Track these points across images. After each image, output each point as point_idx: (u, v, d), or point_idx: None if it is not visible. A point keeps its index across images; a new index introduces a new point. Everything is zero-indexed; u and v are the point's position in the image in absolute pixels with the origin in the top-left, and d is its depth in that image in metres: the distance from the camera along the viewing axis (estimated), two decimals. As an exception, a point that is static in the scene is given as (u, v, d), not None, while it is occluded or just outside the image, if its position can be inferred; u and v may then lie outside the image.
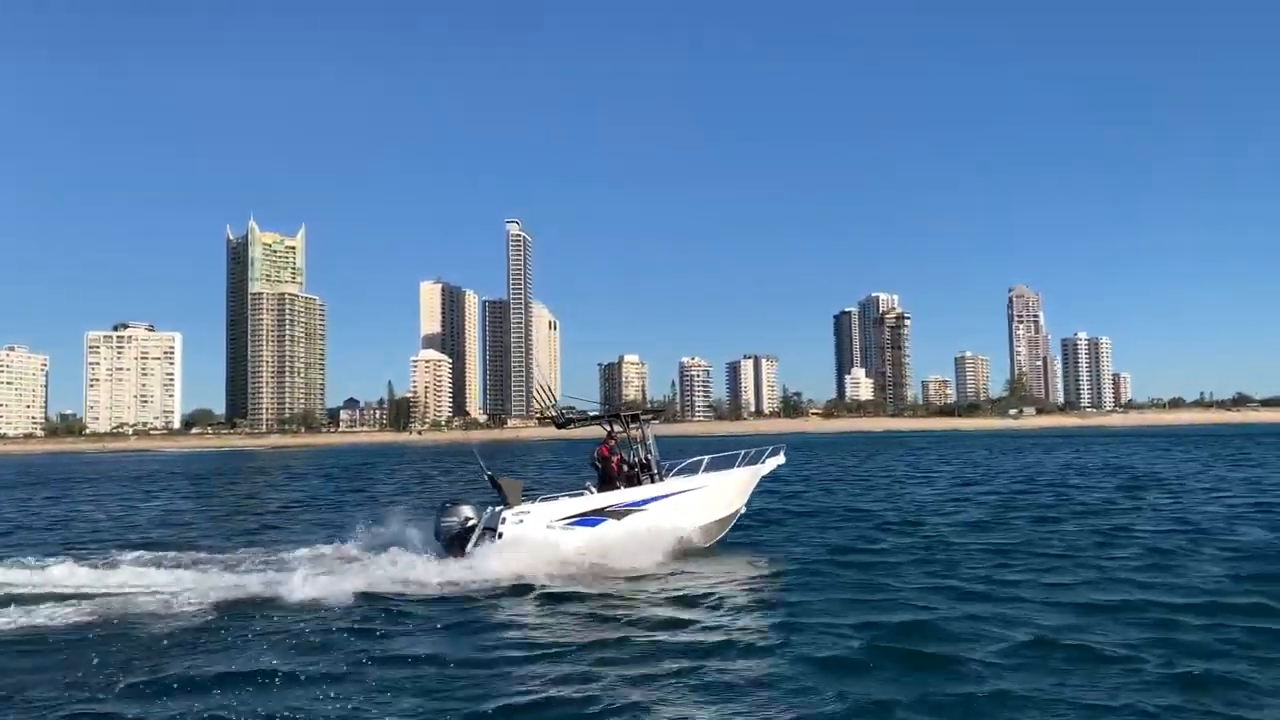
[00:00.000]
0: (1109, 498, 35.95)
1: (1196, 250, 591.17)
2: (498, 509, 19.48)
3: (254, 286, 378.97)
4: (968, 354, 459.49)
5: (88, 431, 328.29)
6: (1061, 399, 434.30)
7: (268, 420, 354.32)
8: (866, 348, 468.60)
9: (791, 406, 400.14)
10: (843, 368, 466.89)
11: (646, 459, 21.34)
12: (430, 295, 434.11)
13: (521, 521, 19.10)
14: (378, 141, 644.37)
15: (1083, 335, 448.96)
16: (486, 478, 20.80)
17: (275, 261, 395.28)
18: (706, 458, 21.65)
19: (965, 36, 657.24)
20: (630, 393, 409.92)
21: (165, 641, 13.62)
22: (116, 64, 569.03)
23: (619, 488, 20.74)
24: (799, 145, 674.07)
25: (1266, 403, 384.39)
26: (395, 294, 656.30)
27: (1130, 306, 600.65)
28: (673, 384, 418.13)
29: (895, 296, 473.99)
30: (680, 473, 21.66)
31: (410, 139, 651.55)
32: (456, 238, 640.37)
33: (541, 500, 20.11)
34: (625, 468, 21.24)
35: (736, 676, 11.54)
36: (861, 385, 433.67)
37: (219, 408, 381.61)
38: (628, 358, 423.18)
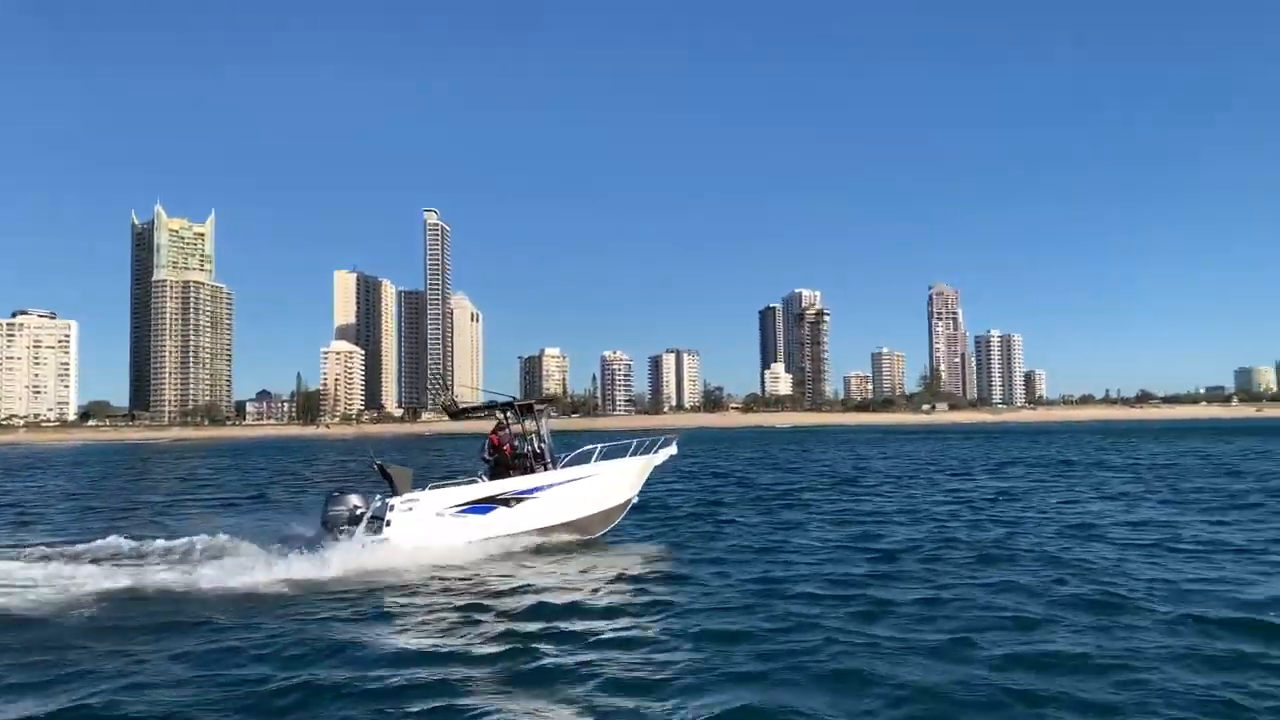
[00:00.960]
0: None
1: (1115, 251, 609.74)
2: (386, 497, 19.00)
3: (160, 274, 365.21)
4: (884, 350, 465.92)
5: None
6: (977, 395, 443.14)
7: (170, 413, 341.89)
8: (790, 343, 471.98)
9: (712, 401, 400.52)
10: (767, 363, 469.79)
11: (540, 448, 21.02)
12: (345, 285, 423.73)
13: (410, 509, 18.71)
14: (295, 128, 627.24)
15: (995, 333, 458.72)
16: (375, 467, 20.30)
17: (183, 249, 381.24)
18: (599, 447, 21.44)
19: (889, 37, 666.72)
20: (551, 386, 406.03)
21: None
22: (16, 46, 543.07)
23: (511, 476, 20.45)
24: (724, 141, 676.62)
25: (1167, 399, 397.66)
26: (310, 284, 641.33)
27: (1050, 304, 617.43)
28: (594, 377, 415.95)
29: (818, 293, 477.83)
30: (573, 462, 21.27)
31: (327, 125, 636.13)
32: (376, 227, 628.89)
33: (431, 488, 19.53)
34: (518, 458, 20.92)
35: (619, 667, 11.36)
36: (781, 380, 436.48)
37: (122, 399, 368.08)
38: (549, 351, 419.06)
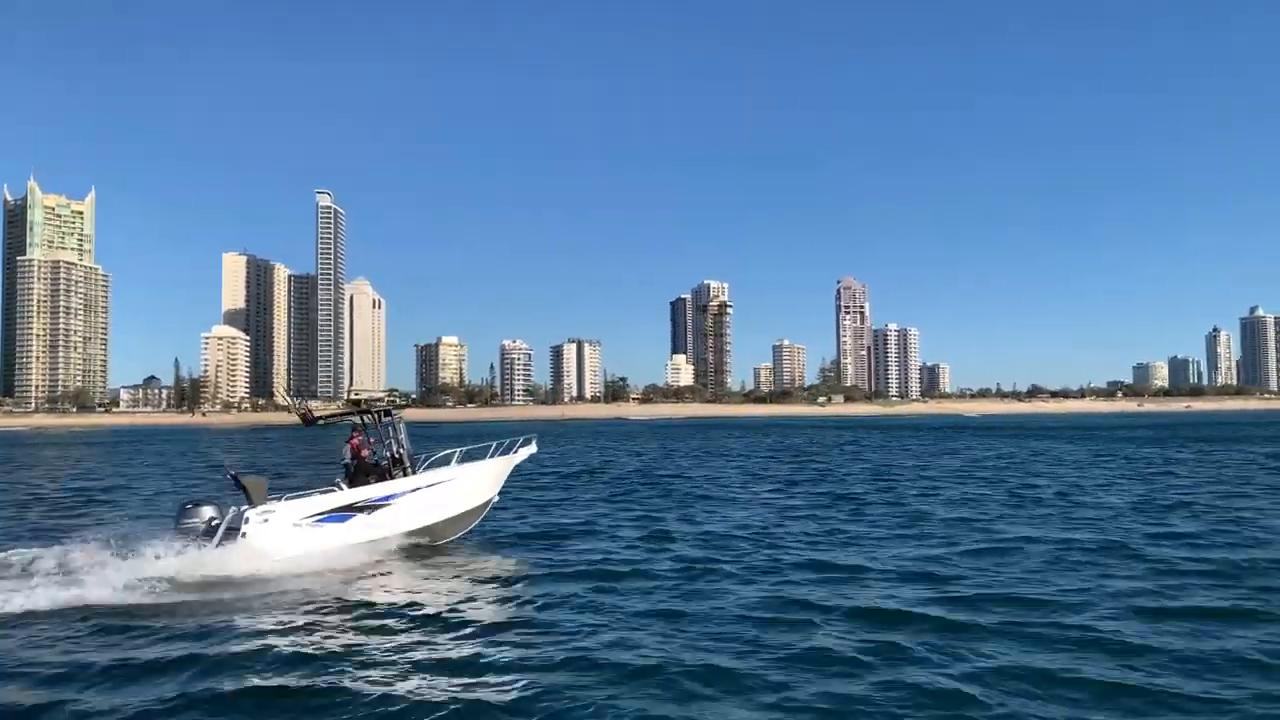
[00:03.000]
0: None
1: (1022, 249, 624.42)
2: (242, 508, 18.44)
3: (34, 253, 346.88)
4: (785, 342, 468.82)
5: None
6: (890, 387, 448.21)
7: (37, 399, 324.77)
8: (696, 334, 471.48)
9: (613, 392, 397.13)
10: (676, 353, 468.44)
11: (398, 453, 20.73)
12: (234, 267, 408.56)
13: (266, 520, 18.25)
14: (186, 108, 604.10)
15: (893, 326, 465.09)
16: (230, 477, 19.78)
17: (59, 227, 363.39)
18: (458, 451, 21.54)
19: (799, 22, 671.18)
20: (447, 375, 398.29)
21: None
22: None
23: (370, 482, 20.10)
24: (640, 124, 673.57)
25: (1055, 394, 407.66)
26: (200, 267, 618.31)
27: (962, 298, 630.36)
28: (491, 366, 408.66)
29: (725, 285, 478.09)
30: (433, 465, 21.31)
31: (220, 106, 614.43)
32: (271, 210, 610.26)
33: (288, 498, 19.11)
34: (376, 462, 20.69)
35: (477, 668, 11.72)
36: (683, 371, 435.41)
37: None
38: (446, 339, 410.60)
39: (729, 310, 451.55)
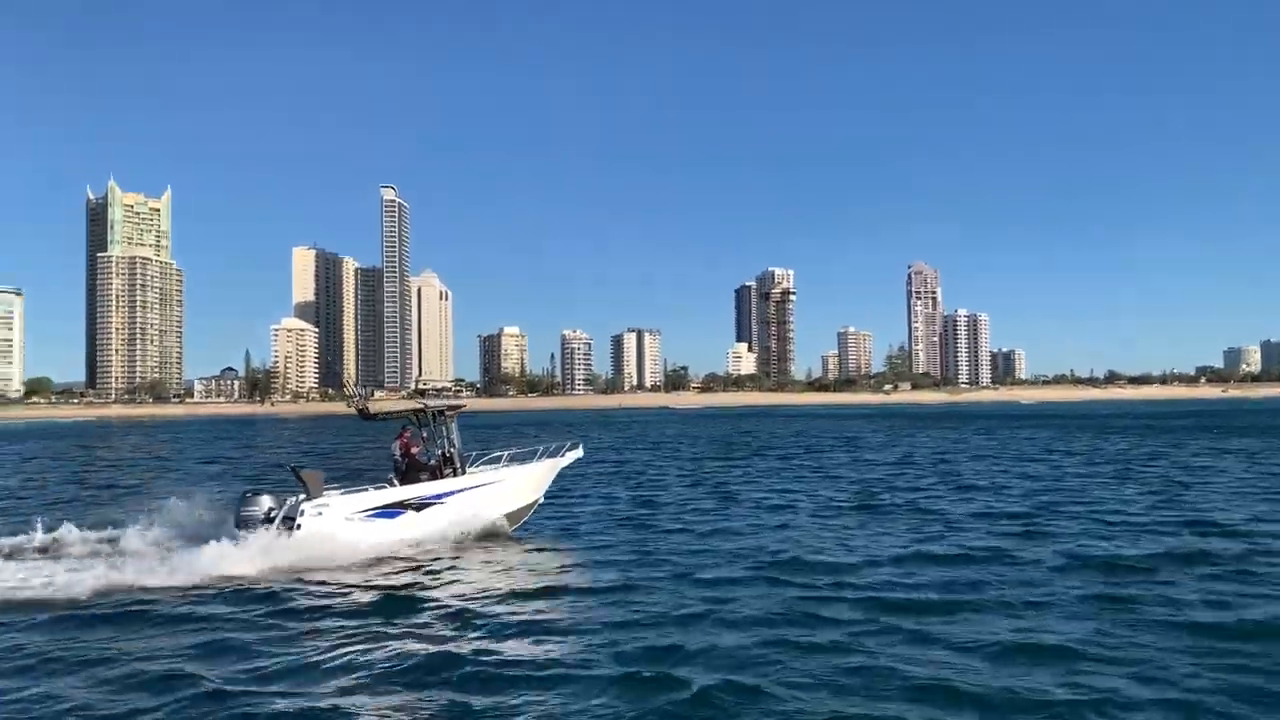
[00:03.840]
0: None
1: (1110, 230, 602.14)
2: (298, 500, 19.35)
3: (114, 250, 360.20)
4: (851, 330, 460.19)
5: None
6: (960, 374, 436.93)
7: (117, 390, 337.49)
8: (761, 322, 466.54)
9: (673, 381, 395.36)
10: (741, 342, 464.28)
11: (449, 452, 21.60)
12: (304, 261, 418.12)
13: (320, 513, 19.10)
14: (259, 106, 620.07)
15: (963, 312, 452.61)
16: (290, 470, 21.01)
17: (138, 224, 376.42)
18: (506, 453, 22.33)
19: (870, 17, 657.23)
20: (509, 365, 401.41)
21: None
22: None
23: (422, 480, 20.94)
24: (701, 114, 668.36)
25: (1133, 380, 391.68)
26: (272, 261, 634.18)
27: (1041, 285, 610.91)
28: (552, 356, 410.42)
29: (790, 272, 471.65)
30: (482, 465, 22.24)
31: (290, 104, 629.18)
32: (340, 205, 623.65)
33: (343, 492, 20.18)
34: (428, 460, 21.53)
35: (516, 669, 11.80)
36: (744, 360, 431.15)
37: (80, 376, 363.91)
38: (508, 330, 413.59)
39: (792, 297, 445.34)
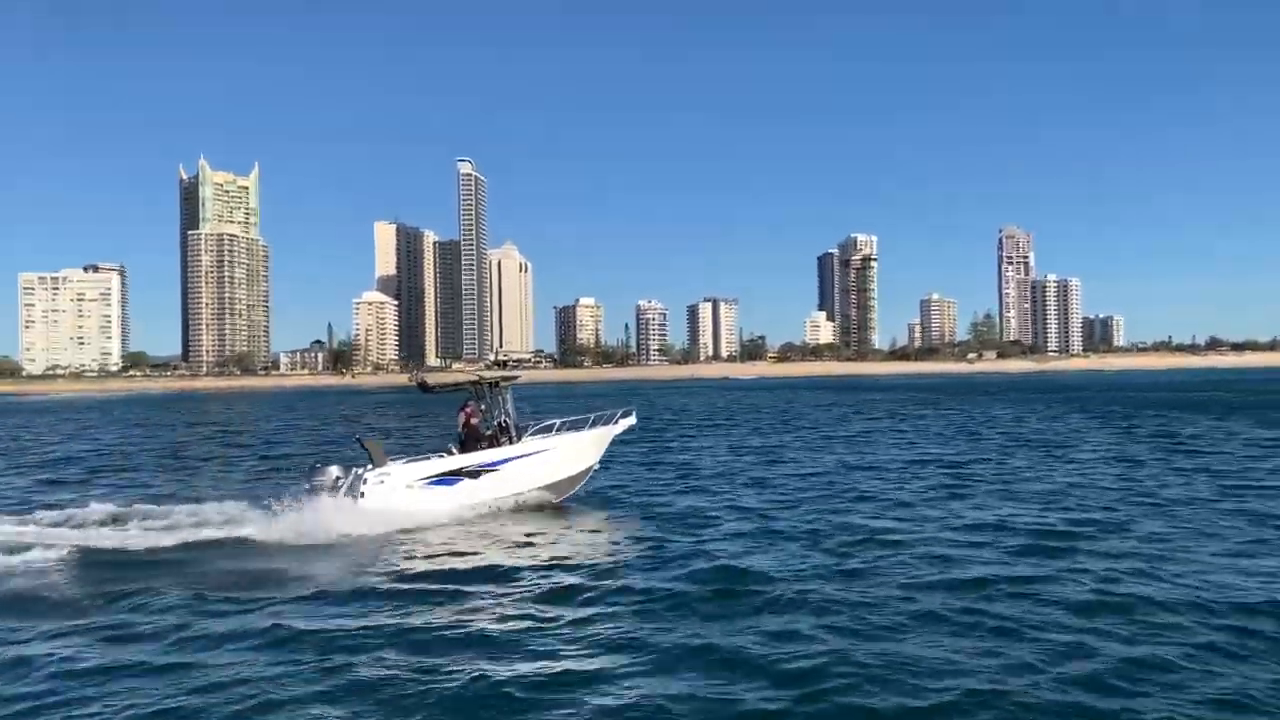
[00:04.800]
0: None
1: (1215, 191, 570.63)
2: (363, 469, 20.56)
3: (206, 227, 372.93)
4: (935, 296, 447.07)
5: (24, 374, 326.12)
6: (1049, 342, 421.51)
7: (208, 363, 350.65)
8: (844, 291, 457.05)
9: (749, 351, 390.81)
10: (823, 310, 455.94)
11: (505, 422, 22.52)
12: (385, 236, 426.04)
13: (382, 482, 20.25)
14: (338, 84, 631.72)
15: (1052, 277, 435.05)
16: (355, 440, 22.49)
17: (227, 202, 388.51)
18: (558, 421, 22.83)
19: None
20: (584, 336, 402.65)
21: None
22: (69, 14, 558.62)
23: (480, 449, 21.88)
24: (775, 79, 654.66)
25: (1238, 347, 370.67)
26: (356, 235, 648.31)
27: (1146, 247, 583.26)
28: (626, 326, 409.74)
29: (874, 238, 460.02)
30: (537, 433, 22.86)
31: (373, 80, 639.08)
32: (420, 179, 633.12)
33: (404, 461, 21.38)
34: (486, 429, 22.44)
35: (575, 630, 12.34)
36: (823, 328, 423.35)
37: (176, 350, 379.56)
38: (583, 301, 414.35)
39: (873, 264, 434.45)
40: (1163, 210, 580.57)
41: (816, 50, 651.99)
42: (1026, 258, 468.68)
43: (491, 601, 13.86)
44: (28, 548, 17.08)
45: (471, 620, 12.80)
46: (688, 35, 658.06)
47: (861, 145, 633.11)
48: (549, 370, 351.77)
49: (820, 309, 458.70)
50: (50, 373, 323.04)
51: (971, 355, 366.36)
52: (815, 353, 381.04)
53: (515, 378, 24.26)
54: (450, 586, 14.77)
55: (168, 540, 17.88)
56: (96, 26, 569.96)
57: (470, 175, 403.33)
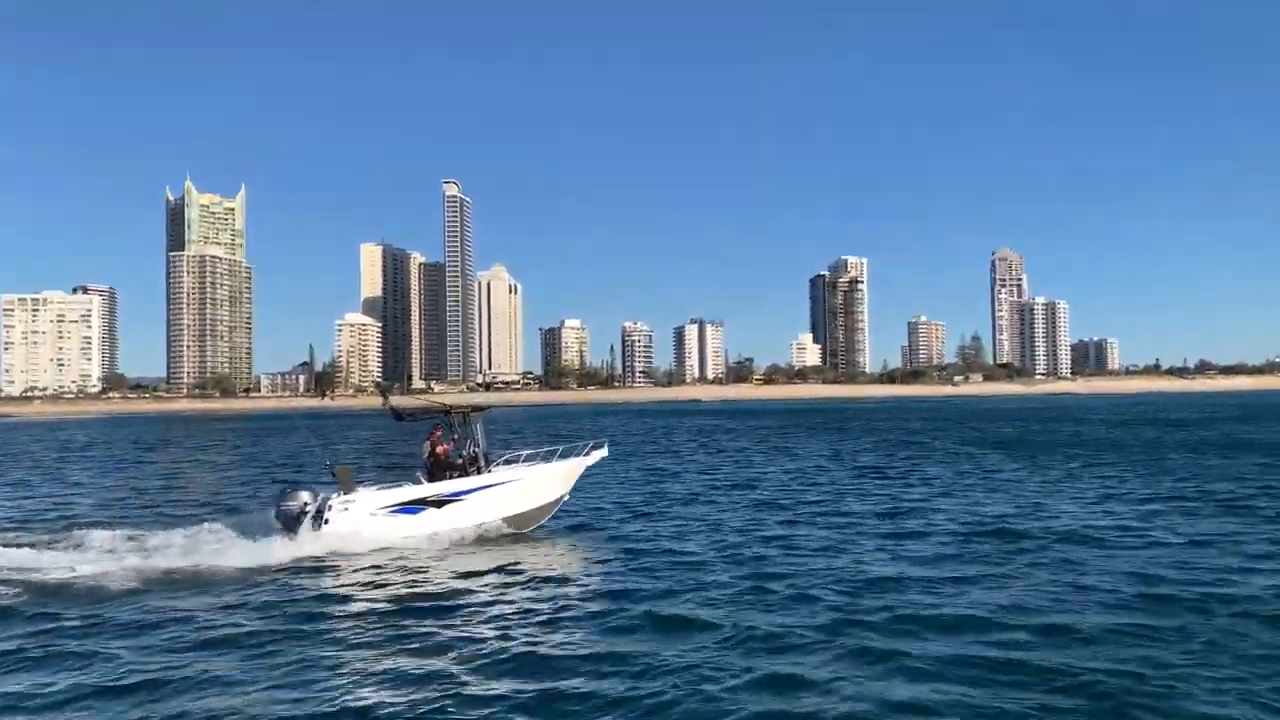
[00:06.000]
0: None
1: (1204, 214, 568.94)
2: (330, 496, 20.77)
3: (191, 249, 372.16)
4: (923, 319, 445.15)
5: (3, 394, 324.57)
6: (1041, 365, 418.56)
7: (188, 384, 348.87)
8: (829, 313, 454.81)
9: (735, 373, 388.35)
10: (815, 333, 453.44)
11: (474, 452, 22.61)
12: (371, 258, 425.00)
13: (346, 509, 20.42)
14: (324, 107, 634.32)
15: (1039, 300, 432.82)
16: (325, 466, 23.26)
17: (213, 224, 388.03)
18: (523, 453, 23.28)
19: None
20: (569, 358, 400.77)
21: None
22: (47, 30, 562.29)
23: (450, 478, 21.97)
24: (766, 98, 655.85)
25: (1226, 370, 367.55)
26: (342, 257, 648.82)
27: (1132, 272, 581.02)
28: (611, 348, 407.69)
29: (864, 260, 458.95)
30: (507, 464, 23.12)
31: (357, 104, 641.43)
32: (405, 200, 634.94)
33: (369, 489, 21.42)
34: (457, 458, 22.51)
35: (520, 658, 12.52)
36: (808, 350, 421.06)
37: (160, 371, 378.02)
38: (569, 322, 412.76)
39: (860, 286, 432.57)
40: (1156, 230, 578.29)
41: (806, 69, 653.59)
42: (1020, 280, 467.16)
43: (429, 630, 13.94)
44: None
45: (409, 648, 12.99)
46: (677, 54, 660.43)
47: (855, 167, 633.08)
48: (533, 392, 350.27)
49: (813, 331, 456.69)
50: (28, 394, 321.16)
51: (957, 378, 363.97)
52: (801, 375, 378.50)
53: (486, 407, 24.48)
54: (392, 614, 14.98)
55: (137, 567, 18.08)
56: (84, 44, 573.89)
57: (456, 197, 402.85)
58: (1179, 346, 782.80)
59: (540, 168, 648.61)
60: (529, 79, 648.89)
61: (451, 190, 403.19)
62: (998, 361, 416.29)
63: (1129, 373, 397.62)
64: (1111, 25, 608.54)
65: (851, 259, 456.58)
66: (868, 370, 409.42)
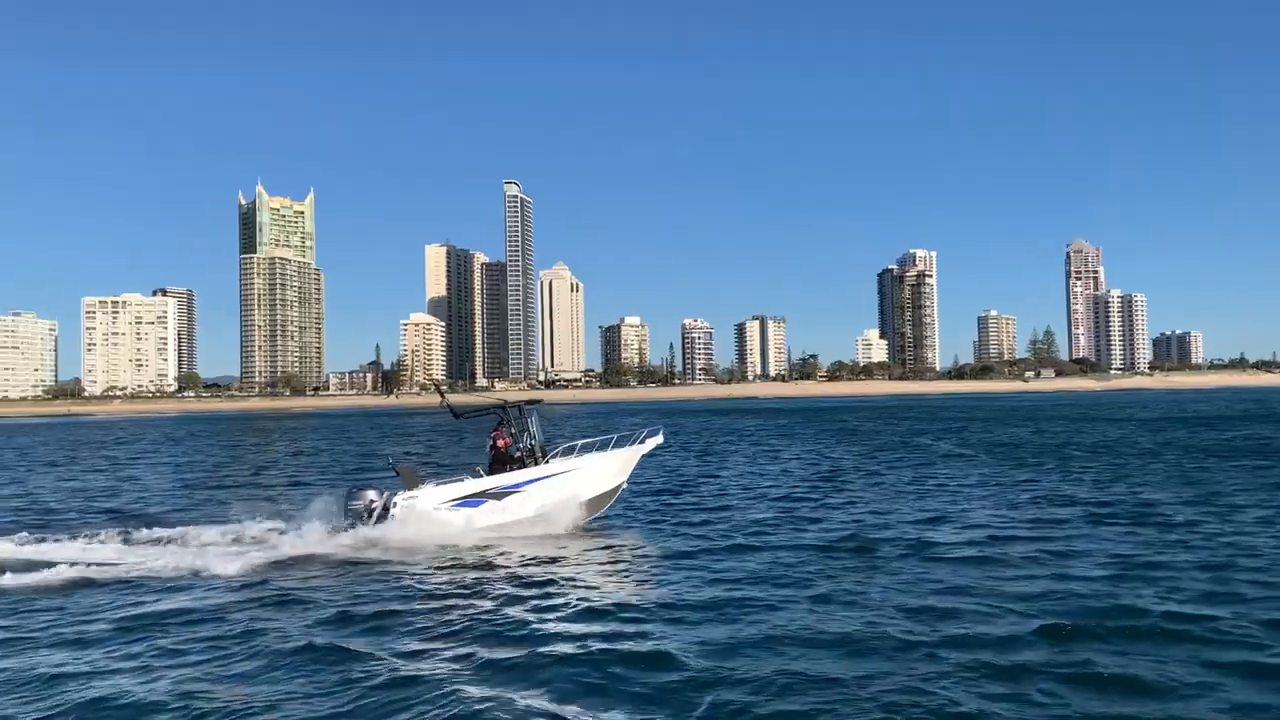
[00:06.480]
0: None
1: None
2: (395, 492, 21.65)
3: (263, 251, 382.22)
4: (993, 313, 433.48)
5: (85, 394, 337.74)
6: (1116, 359, 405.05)
7: (259, 384, 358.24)
8: (897, 308, 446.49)
9: (800, 370, 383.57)
10: (885, 328, 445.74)
11: (531, 445, 23.17)
12: (436, 258, 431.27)
13: (411, 505, 21.22)
14: (390, 108, 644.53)
15: (1116, 293, 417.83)
16: (389, 464, 24.63)
17: (284, 227, 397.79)
18: (580, 441, 23.43)
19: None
20: (629, 355, 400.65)
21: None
22: (123, 49, 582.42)
23: (508, 470, 22.53)
24: (830, 94, 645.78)
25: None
26: (406, 257, 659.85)
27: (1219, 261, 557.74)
28: (671, 345, 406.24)
29: (933, 254, 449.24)
30: (565, 455, 23.41)
31: (424, 104, 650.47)
32: (470, 202, 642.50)
33: (433, 484, 22.30)
34: (515, 452, 23.06)
35: (576, 649, 12.66)
36: (874, 346, 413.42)
37: (236, 371, 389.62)
38: (628, 320, 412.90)
39: (929, 280, 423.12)
40: (1243, 220, 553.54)
41: (873, 64, 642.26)
42: (1096, 273, 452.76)
43: (499, 618, 14.37)
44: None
45: (475, 640, 13.26)
46: (737, 52, 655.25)
47: (923, 158, 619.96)
48: (592, 390, 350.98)
49: (880, 327, 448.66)
50: (108, 394, 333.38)
51: (1028, 374, 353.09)
52: (866, 371, 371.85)
53: (539, 401, 25.29)
54: (462, 604, 15.45)
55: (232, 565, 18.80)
56: (163, 53, 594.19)
57: (517, 197, 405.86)
58: (1268, 339, 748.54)
59: (601, 166, 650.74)
60: (590, 79, 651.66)
61: (512, 190, 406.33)
62: (1072, 356, 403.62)
63: (1212, 367, 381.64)
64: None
65: (920, 252, 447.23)
66: (937, 366, 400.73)
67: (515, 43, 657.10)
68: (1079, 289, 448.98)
